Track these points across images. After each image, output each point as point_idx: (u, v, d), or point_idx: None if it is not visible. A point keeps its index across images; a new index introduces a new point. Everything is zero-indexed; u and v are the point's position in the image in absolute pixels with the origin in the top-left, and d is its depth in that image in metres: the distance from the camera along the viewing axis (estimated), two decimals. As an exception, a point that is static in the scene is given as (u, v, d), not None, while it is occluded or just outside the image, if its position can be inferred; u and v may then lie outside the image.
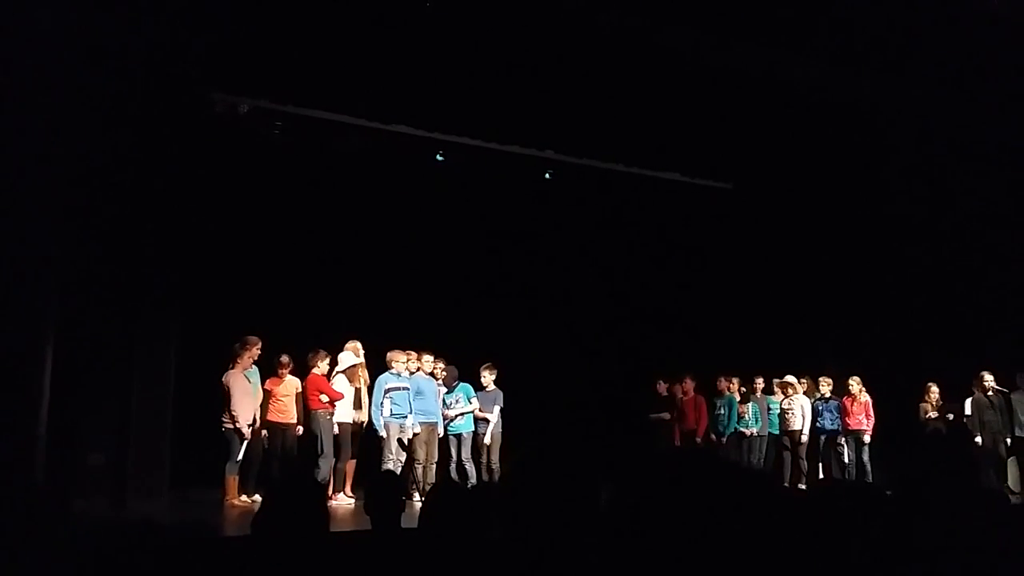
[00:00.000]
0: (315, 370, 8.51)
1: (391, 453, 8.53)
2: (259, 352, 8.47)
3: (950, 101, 9.35)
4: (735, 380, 10.57)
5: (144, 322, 7.79)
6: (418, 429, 8.73)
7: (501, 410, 9.24)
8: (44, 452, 5.91)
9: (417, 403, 8.74)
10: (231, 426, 8.15)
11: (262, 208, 9.78)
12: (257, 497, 8.05)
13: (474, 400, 9.15)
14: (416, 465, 8.68)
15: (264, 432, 8.50)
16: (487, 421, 9.16)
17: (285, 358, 8.62)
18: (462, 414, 9.10)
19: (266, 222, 9.84)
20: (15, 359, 5.76)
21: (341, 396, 8.52)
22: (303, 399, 8.53)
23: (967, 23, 8.09)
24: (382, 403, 8.63)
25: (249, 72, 8.29)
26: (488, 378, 9.31)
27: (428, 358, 9.03)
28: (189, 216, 8.16)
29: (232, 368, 8.25)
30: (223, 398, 8.17)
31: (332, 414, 8.45)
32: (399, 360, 8.79)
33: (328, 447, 8.36)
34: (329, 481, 8.34)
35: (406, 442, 8.61)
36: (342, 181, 10.06)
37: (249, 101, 8.86)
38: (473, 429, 9.15)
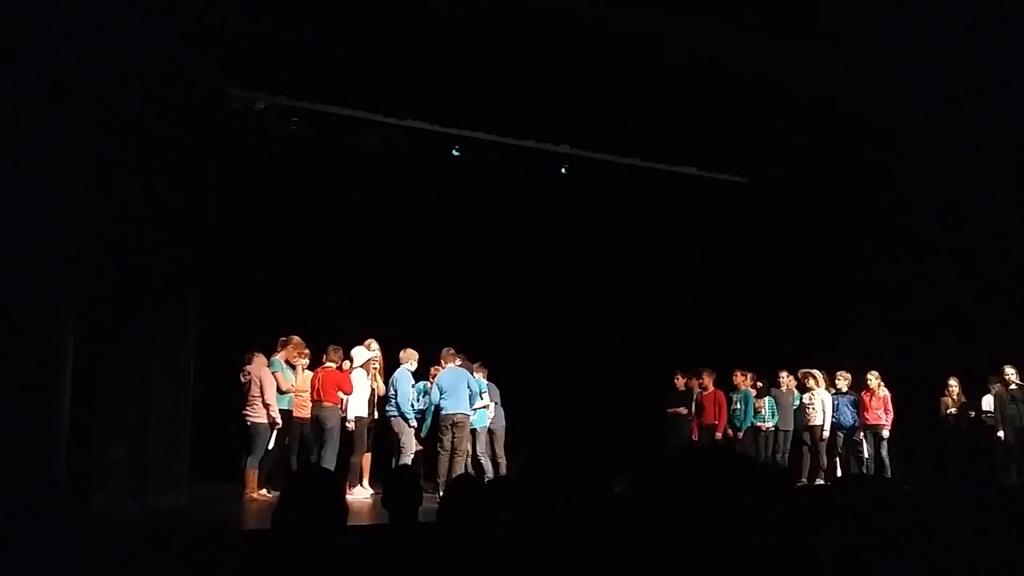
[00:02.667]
0: (331, 365, 8.54)
1: (409, 447, 8.57)
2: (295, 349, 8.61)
3: (970, 96, 9.24)
4: (749, 375, 10.51)
5: (163, 318, 7.83)
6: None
7: (502, 404, 9.39)
8: (66, 447, 5.98)
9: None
10: (259, 419, 8.18)
11: (279, 204, 9.83)
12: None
13: (485, 395, 9.17)
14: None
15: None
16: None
17: (306, 351, 8.67)
18: (475, 409, 9.11)
19: (283, 218, 9.89)
20: (37, 356, 5.83)
21: (351, 391, 8.56)
22: (317, 392, 8.53)
23: (983, 21, 8.00)
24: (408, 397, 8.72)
25: (266, 68, 8.32)
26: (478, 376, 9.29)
27: (450, 350, 9.03)
28: (207, 212, 8.20)
29: (251, 363, 8.31)
30: (257, 390, 8.19)
31: (344, 408, 8.49)
32: (415, 358, 8.84)
33: (338, 438, 8.40)
34: (346, 475, 8.38)
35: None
36: (358, 177, 10.10)
37: (266, 97, 8.89)
38: (487, 424, 9.17)
